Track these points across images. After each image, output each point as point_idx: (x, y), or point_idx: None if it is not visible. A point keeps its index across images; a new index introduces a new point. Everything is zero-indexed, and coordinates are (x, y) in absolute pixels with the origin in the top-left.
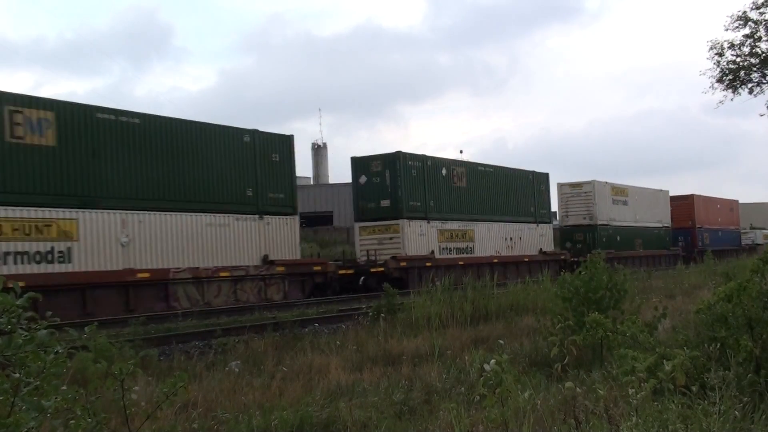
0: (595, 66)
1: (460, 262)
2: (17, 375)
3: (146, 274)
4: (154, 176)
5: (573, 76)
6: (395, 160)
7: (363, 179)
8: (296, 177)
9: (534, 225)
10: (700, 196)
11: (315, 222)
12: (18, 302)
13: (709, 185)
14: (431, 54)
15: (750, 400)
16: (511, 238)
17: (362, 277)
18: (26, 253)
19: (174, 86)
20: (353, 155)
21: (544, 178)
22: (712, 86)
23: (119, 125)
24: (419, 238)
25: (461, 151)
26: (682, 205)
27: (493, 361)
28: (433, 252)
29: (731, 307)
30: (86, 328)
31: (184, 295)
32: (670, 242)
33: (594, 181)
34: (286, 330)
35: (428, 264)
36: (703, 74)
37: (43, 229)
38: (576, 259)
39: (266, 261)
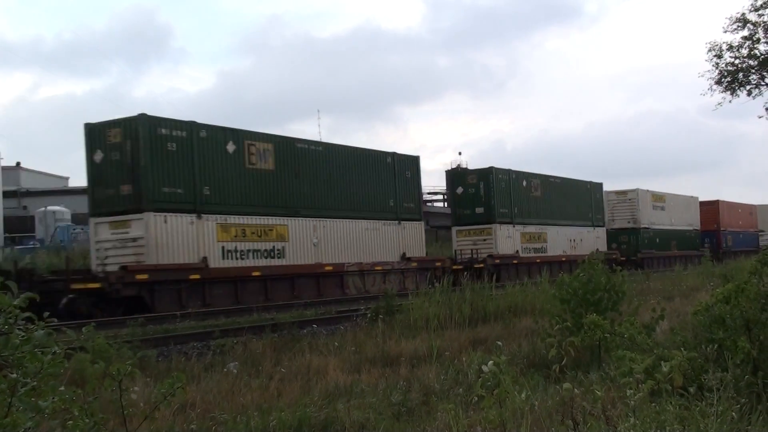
0: (594, 68)
1: (537, 260)
2: (14, 375)
3: (330, 267)
4: (332, 191)
5: (572, 78)
6: (489, 174)
7: (460, 190)
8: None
9: (591, 228)
10: (724, 202)
11: None
12: (15, 302)
13: (707, 187)
14: (430, 56)
15: (747, 401)
16: (574, 240)
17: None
18: (258, 250)
19: (172, 87)
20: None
21: (599, 187)
22: (710, 88)
23: (310, 152)
24: (507, 239)
25: (460, 153)
26: (709, 209)
27: (491, 362)
28: (517, 251)
29: (729, 309)
30: (84, 329)
31: (352, 285)
32: (700, 244)
33: (638, 189)
34: (284, 331)
35: (515, 261)
36: (702, 76)
37: (268, 233)
38: (624, 258)
39: (404, 258)
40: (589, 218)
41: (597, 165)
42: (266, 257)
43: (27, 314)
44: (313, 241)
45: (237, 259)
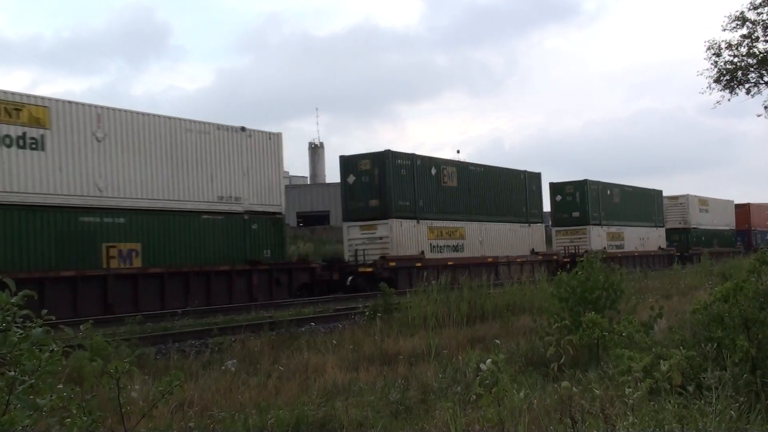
0: (593, 66)
1: (618, 255)
2: (12, 373)
3: (491, 259)
4: (488, 200)
5: (570, 76)
6: (584, 185)
7: (558, 198)
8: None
9: (655, 228)
10: (754, 204)
11: (312, 221)
12: (13, 300)
13: (705, 186)
14: (428, 54)
15: (746, 400)
16: (643, 238)
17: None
18: (449, 246)
19: (171, 85)
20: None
21: (660, 193)
22: (709, 86)
23: (476, 173)
24: (597, 238)
25: (458, 151)
26: (742, 211)
27: (489, 360)
28: (604, 248)
29: (728, 308)
30: (81, 327)
31: (503, 272)
32: (735, 241)
33: (687, 195)
34: (282, 329)
35: (603, 256)
36: (701, 74)
37: (454, 233)
38: (678, 254)
39: (533, 252)
40: (653, 220)
41: (595, 163)
42: (453, 251)
43: (25, 312)
44: (479, 239)
45: (438, 252)
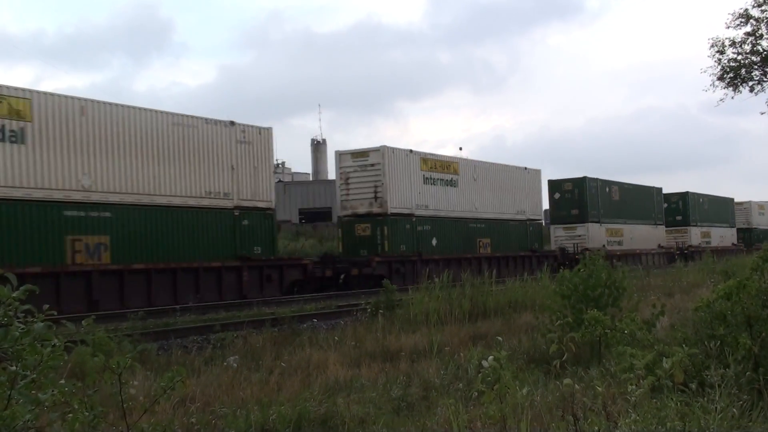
0: (596, 64)
1: (709, 249)
2: (14, 368)
3: (638, 251)
4: (635, 209)
5: (573, 74)
6: (686, 196)
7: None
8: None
9: (729, 228)
10: None
11: (314, 218)
12: (14, 294)
13: (707, 184)
14: (431, 51)
15: (748, 397)
16: (722, 236)
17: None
18: (615, 241)
19: (173, 81)
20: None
21: (731, 200)
22: (712, 84)
23: (626, 189)
24: (695, 236)
25: (461, 148)
26: None
27: (491, 357)
28: (699, 244)
29: (730, 305)
30: (83, 322)
31: (644, 261)
32: None
33: (750, 201)
34: (284, 325)
35: (696, 249)
36: (704, 72)
37: (618, 232)
38: (744, 249)
39: (659, 246)
40: (729, 221)
41: (597, 161)
42: (618, 245)
43: (26, 306)
44: (630, 236)
45: (610, 246)
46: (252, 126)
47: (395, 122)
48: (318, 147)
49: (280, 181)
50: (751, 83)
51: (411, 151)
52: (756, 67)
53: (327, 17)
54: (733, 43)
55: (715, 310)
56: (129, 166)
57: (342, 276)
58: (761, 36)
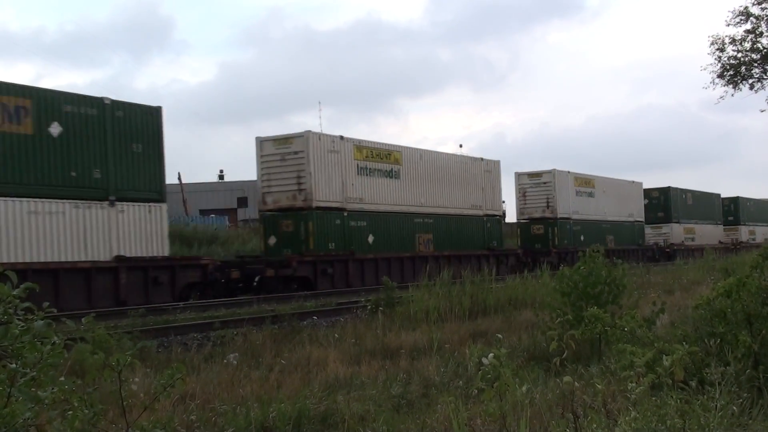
0: (596, 62)
1: (692, 247)
2: (14, 365)
3: (707, 246)
4: (704, 212)
5: (574, 71)
6: (667, 190)
7: (647, 201)
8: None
9: (715, 225)
10: None
11: None
12: (14, 292)
13: (707, 181)
14: (431, 48)
15: (748, 395)
16: (764, 234)
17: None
18: (689, 238)
19: (174, 78)
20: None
21: (718, 196)
22: (712, 81)
23: (698, 196)
24: (748, 234)
25: (461, 146)
26: None
27: (491, 354)
28: (747, 240)
29: (730, 303)
30: (83, 319)
31: (706, 254)
32: None
33: None
34: (284, 323)
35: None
36: (704, 69)
37: (692, 230)
38: None
39: (720, 242)
40: (714, 218)
41: (597, 158)
42: (691, 241)
43: (26, 304)
44: (700, 234)
45: (686, 241)
46: (491, 160)
47: (395, 119)
48: None
49: None
50: (751, 81)
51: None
52: (756, 64)
53: (327, 15)
54: (733, 41)
55: (715, 308)
56: (439, 190)
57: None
58: (761, 34)
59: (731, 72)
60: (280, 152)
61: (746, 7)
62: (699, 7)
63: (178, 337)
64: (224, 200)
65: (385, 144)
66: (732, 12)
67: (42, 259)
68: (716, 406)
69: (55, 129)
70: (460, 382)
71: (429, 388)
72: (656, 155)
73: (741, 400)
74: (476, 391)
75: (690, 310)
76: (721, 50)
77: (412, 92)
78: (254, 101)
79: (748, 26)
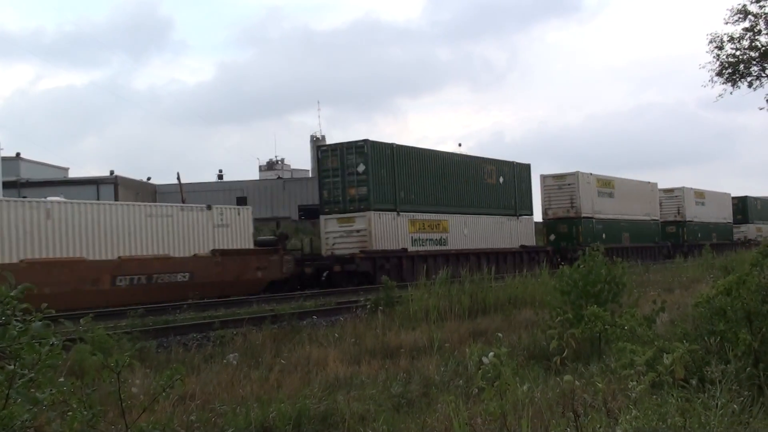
0: (595, 60)
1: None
2: (12, 367)
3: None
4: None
5: (572, 70)
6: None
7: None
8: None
9: None
10: None
11: (313, 214)
12: (12, 293)
13: (705, 179)
14: (430, 48)
15: (749, 393)
16: None
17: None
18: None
19: (173, 78)
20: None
21: None
22: (711, 80)
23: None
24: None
25: (459, 144)
26: None
27: (491, 353)
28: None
29: (730, 301)
30: (81, 320)
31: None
32: None
33: None
34: (284, 322)
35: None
36: (703, 68)
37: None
38: None
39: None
40: None
41: (596, 157)
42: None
43: (25, 305)
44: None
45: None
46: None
47: (394, 119)
48: (317, 143)
49: (279, 177)
50: (749, 79)
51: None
52: (754, 62)
53: (326, 14)
54: (731, 39)
55: (715, 306)
56: None
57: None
58: (759, 32)
59: (730, 70)
60: (558, 183)
61: (744, 6)
62: (698, 6)
63: (177, 337)
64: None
65: (609, 176)
66: (730, 10)
67: None
68: (717, 404)
69: (501, 180)
70: (461, 381)
71: (429, 387)
72: (655, 153)
73: (741, 399)
74: (477, 390)
75: (690, 308)
76: (720, 48)
77: (411, 92)
78: (253, 101)
79: (747, 24)
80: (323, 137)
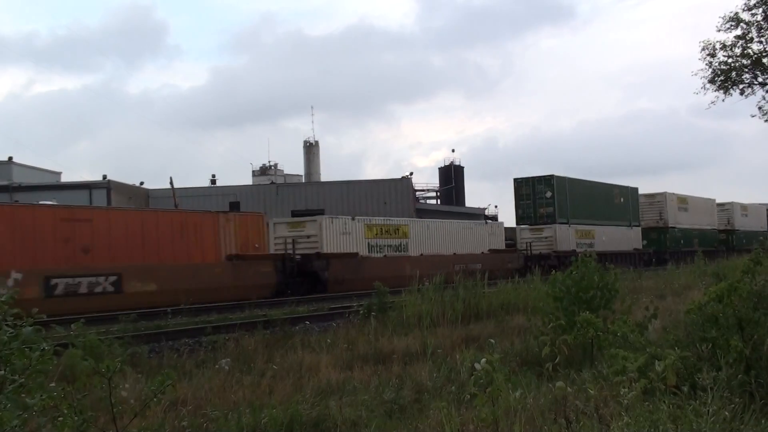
0: (588, 67)
1: None
2: (2, 372)
3: None
4: None
5: (565, 77)
6: None
7: None
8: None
9: None
10: None
11: None
12: (3, 298)
13: (697, 186)
14: (424, 54)
15: (740, 400)
16: None
17: None
18: None
19: (166, 83)
20: None
21: None
22: (703, 87)
23: None
24: None
25: (453, 150)
26: None
27: (483, 360)
28: None
29: (722, 308)
30: (73, 326)
31: None
32: None
33: None
34: (276, 328)
35: None
36: (695, 75)
37: None
38: None
39: None
40: None
41: (588, 162)
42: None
43: (15, 311)
44: None
45: None
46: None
47: (387, 125)
48: (310, 149)
49: (272, 182)
50: (741, 86)
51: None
52: (746, 70)
53: (319, 20)
54: (723, 47)
55: (707, 313)
56: None
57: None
58: (751, 39)
59: (722, 77)
60: (648, 200)
61: (737, 13)
62: (690, 14)
63: (169, 343)
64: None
65: (684, 195)
66: (723, 18)
67: None
68: (708, 411)
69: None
70: (453, 387)
71: (421, 393)
72: (647, 160)
73: (733, 405)
74: (469, 397)
75: (682, 314)
76: (712, 56)
77: (405, 98)
78: (246, 106)
79: (739, 32)
80: (316, 142)
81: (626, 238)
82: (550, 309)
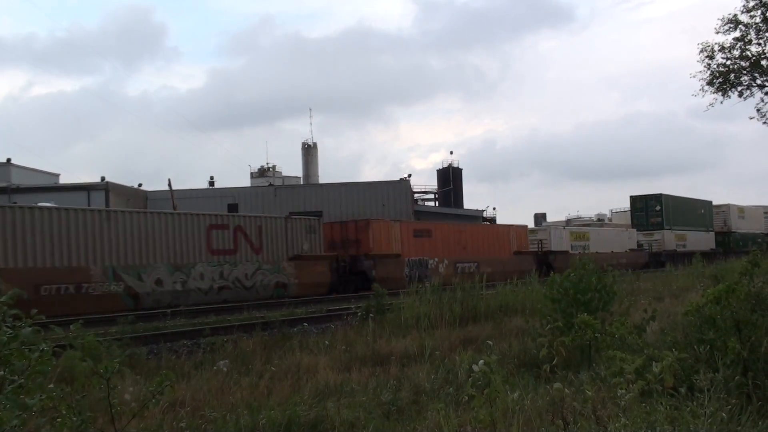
0: (586, 70)
1: None
2: (1, 373)
3: None
4: None
5: (563, 80)
6: None
7: None
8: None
9: None
10: None
11: None
12: (2, 299)
13: (696, 188)
14: (422, 57)
15: (737, 402)
16: None
17: None
18: None
19: (164, 85)
20: None
21: None
22: (702, 89)
23: None
24: None
25: (451, 152)
26: None
27: (481, 361)
28: None
29: (719, 310)
30: (71, 327)
31: None
32: None
33: None
34: (274, 329)
35: None
36: (694, 77)
37: None
38: None
39: None
40: None
41: (585, 164)
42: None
43: (14, 311)
44: None
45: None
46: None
47: (386, 127)
48: (309, 151)
49: (270, 184)
50: (740, 88)
51: (735, 205)
52: (745, 72)
53: (318, 23)
54: (722, 49)
55: (705, 315)
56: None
57: None
58: (750, 41)
59: (720, 80)
60: (715, 210)
61: (735, 15)
62: (689, 16)
63: (168, 344)
64: (215, 206)
65: (742, 205)
66: (721, 20)
67: None
68: (705, 412)
69: (702, 210)
70: (451, 388)
71: (419, 394)
72: (645, 162)
73: (730, 407)
74: (467, 398)
75: (679, 316)
76: (711, 58)
77: (403, 100)
78: (244, 108)
79: (737, 34)
80: (315, 144)
81: (706, 240)
82: (548, 311)
